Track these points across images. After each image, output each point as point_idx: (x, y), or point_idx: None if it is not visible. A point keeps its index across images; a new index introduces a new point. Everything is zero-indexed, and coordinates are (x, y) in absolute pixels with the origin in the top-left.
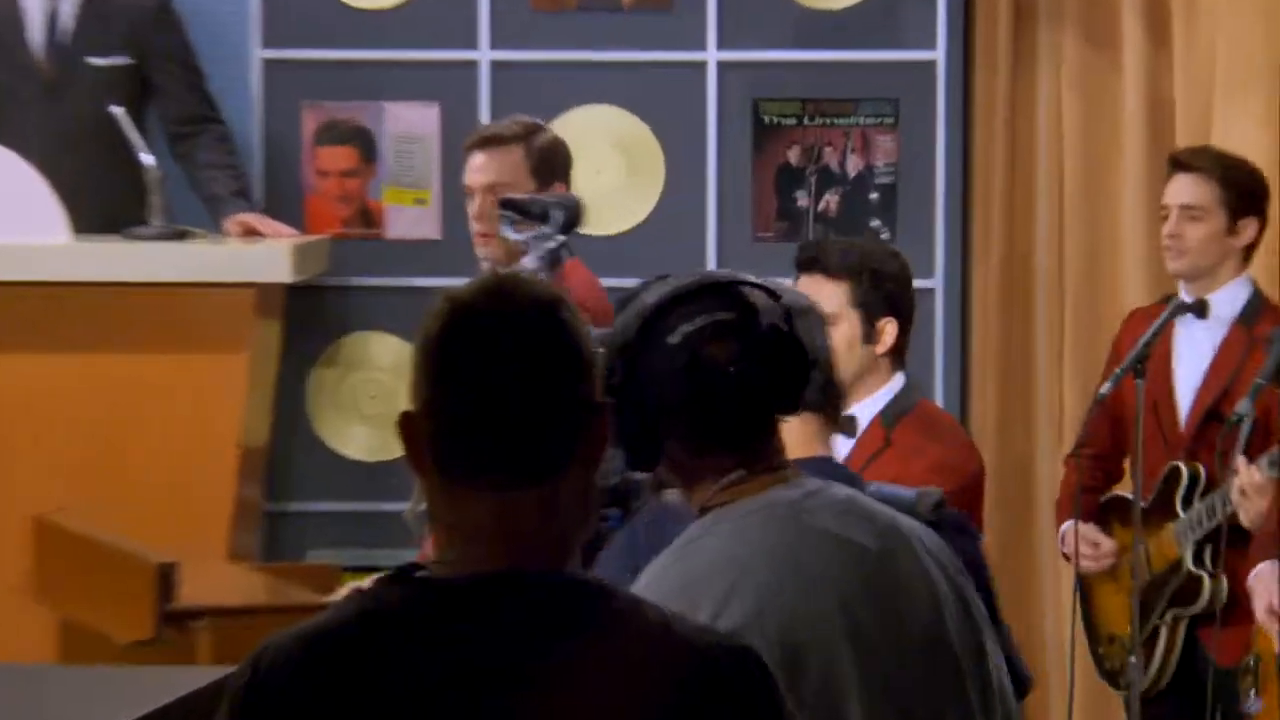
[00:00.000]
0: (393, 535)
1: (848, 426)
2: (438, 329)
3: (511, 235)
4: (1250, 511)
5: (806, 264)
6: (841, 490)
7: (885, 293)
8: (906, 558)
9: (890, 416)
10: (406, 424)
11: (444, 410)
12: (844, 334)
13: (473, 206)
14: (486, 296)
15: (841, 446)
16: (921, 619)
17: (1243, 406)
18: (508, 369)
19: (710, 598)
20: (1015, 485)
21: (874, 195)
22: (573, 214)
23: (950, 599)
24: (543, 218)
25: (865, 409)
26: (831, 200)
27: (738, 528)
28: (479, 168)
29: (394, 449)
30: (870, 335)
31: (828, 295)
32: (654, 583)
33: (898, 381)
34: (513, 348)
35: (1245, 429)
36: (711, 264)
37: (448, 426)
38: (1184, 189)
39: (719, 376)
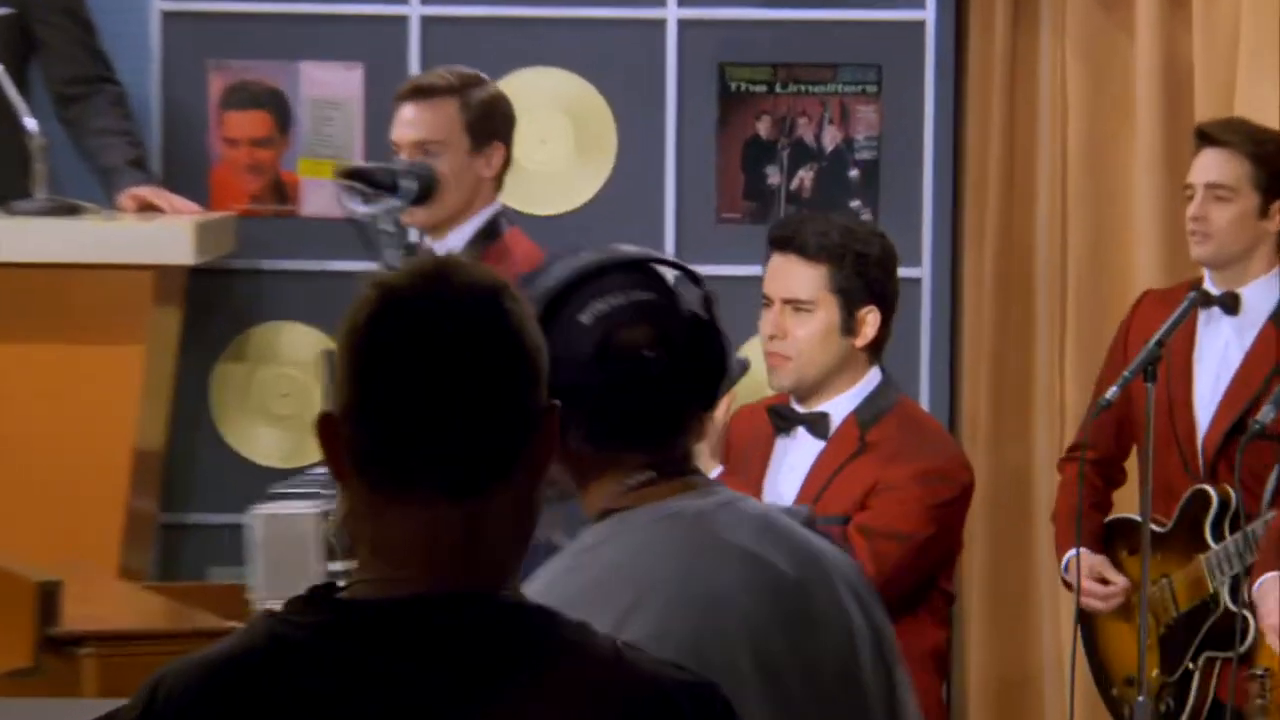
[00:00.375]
0: None
1: (818, 424)
2: (364, 319)
3: (357, 209)
4: None
5: (780, 243)
6: (755, 505)
7: (868, 279)
8: (824, 589)
9: (867, 415)
10: (326, 426)
11: (369, 411)
12: (820, 323)
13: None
14: (420, 282)
15: (810, 448)
16: (835, 656)
17: (1265, 414)
18: (443, 365)
19: (608, 614)
20: (1010, 495)
21: (854, 172)
22: (427, 185)
23: (864, 632)
24: (392, 189)
25: (838, 406)
26: (806, 177)
27: (643, 538)
28: (408, 121)
29: (309, 454)
30: (850, 325)
31: (804, 279)
32: (543, 595)
33: (874, 377)
34: (450, 341)
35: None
36: (670, 249)
37: (373, 430)
38: (1211, 166)
39: (634, 363)
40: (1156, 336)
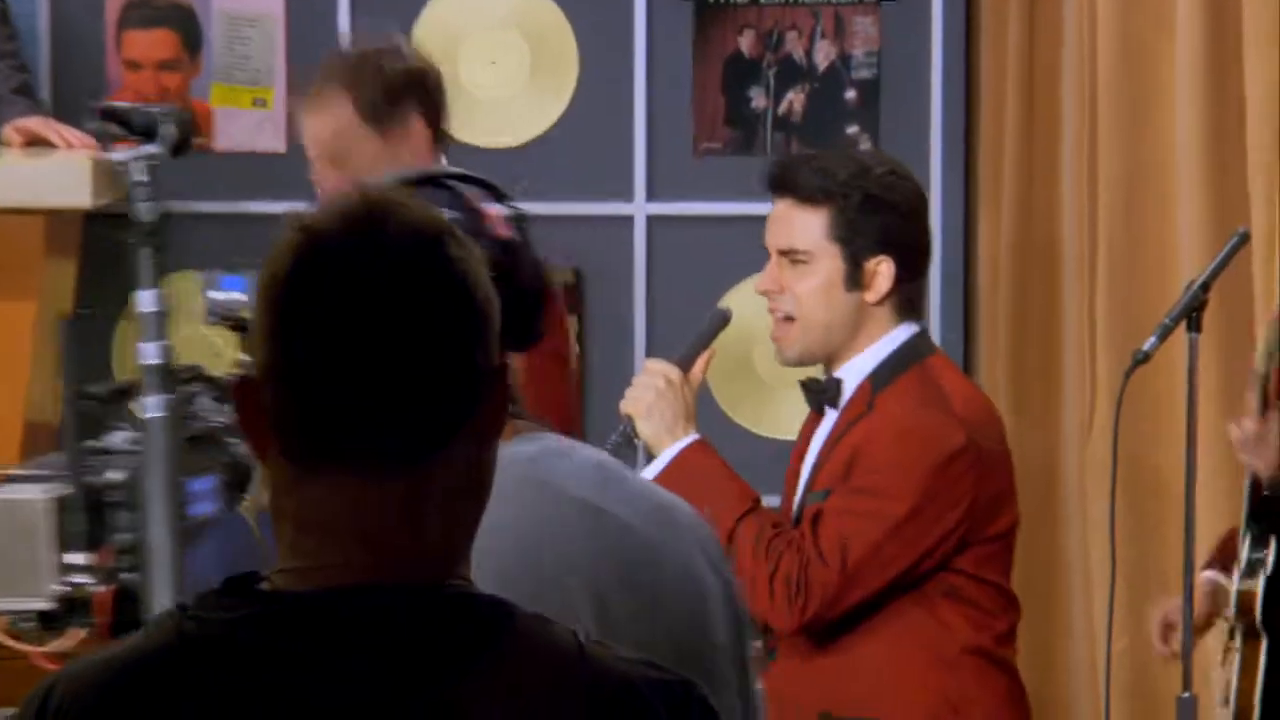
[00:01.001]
0: None
1: (831, 391)
2: (286, 268)
3: (111, 157)
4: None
5: (774, 184)
6: (590, 452)
7: (879, 224)
8: (672, 543)
9: (883, 377)
10: (243, 391)
11: (292, 372)
12: (820, 277)
13: (313, 177)
14: (351, 225)
15: (828, 416)
16: (684, 618)
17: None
18: (376, 319)
19: None
20: (1034, 479)
21: (850, 94)
22: (186, 129)
23: (716, 589)
24: (148, 134)
25: (853, 370)
26: (795, 100)
27: None
28: (305, 134)
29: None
30: (855, 278)
31: (799, 226)
32: None
33: (900, 334)
34: (383, 291)
35: None
36: (640, 184)
37: (297, 393)
38: None
39: None
40: (1201, 279)
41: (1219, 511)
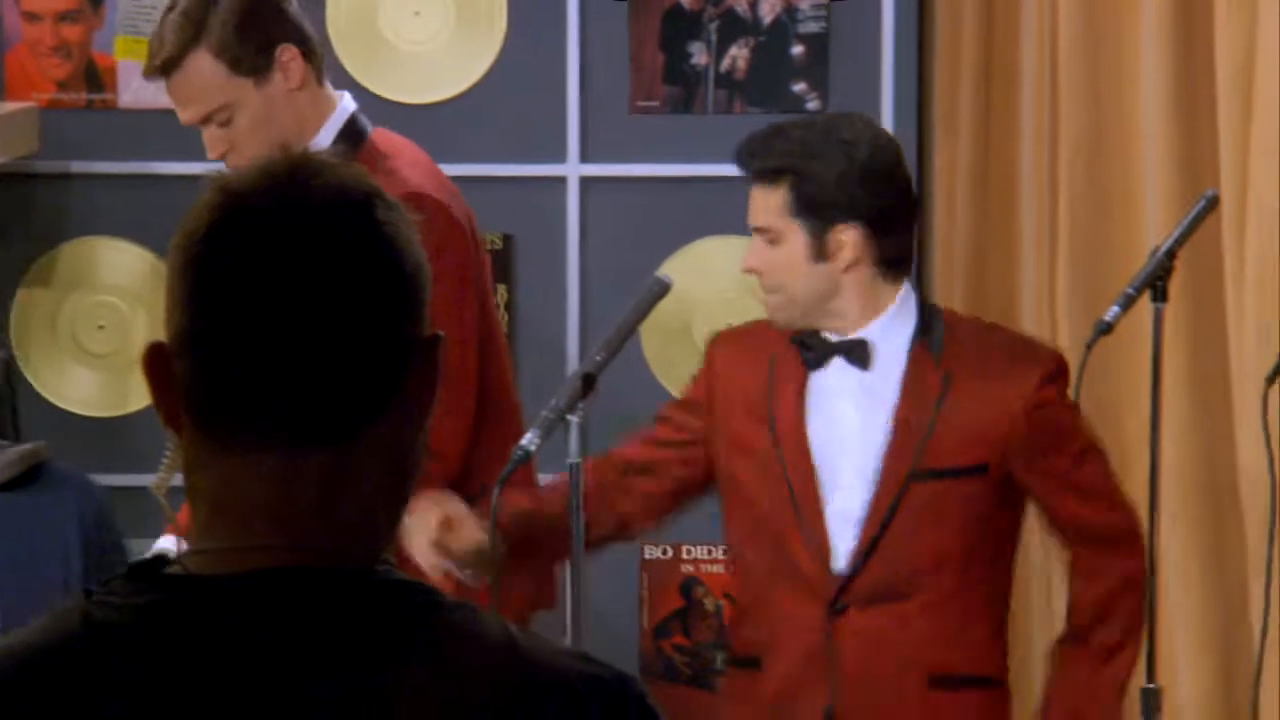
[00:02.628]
0: (134, 519)
1: (859, 352)
2: (203, 231)
3: None
4: None
5: (739, 165)
6: None
7: (841, 194)
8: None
9: (936, 340)
10: (154, 360)
11: (207, 340)
12: (787, 254)
13: (206, 142)
14: (272, 186)
15: (853, 380)
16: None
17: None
18: (297, 285)
19: None
20: None
21: (797, 49)
22: None
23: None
24: None
25: (881, 333)
26: (739, 56)
27: None
28: (178, 104)
29: (134, 399)
30: (820, 251)
31: (765, 204)
32: None
33: (908, 296)
34: (306, 256)
35: None
36: (573, 144)
37: (211, 362)
38: None
39: None
40: (1165, 246)
41: (1185, 487)
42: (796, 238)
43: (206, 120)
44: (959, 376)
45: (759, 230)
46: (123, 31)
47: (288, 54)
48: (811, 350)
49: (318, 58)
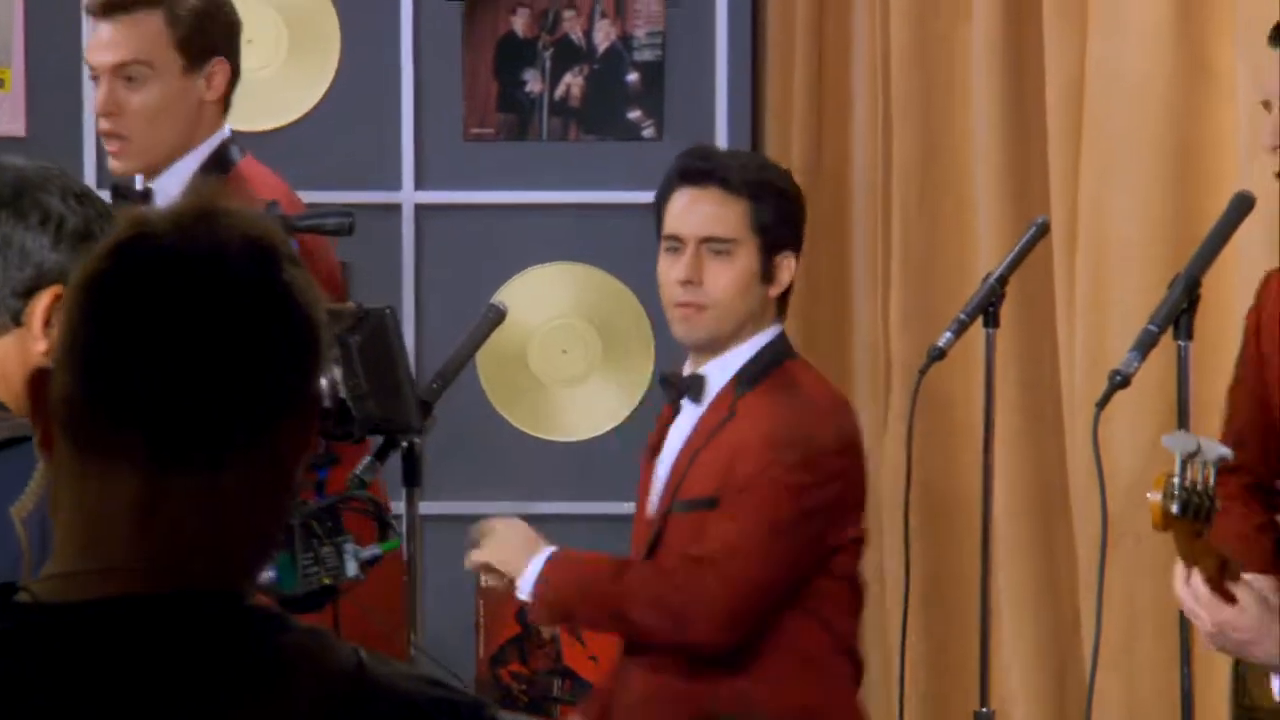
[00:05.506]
0: None
1: (695, 388)
2: (106, 254)
3: None
4: None
5: (697, 175)
6: None
7: (786, 219)
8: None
9: (746, 380)
10: (36, 383)
11: (88, 353)
12: (742, 268)
13: (98, 97)
14: (182, 224)
15: (691, 416)
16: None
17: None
18: (185, 316)
19: None
20: None
21: (632, 76)
22: None
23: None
24: None
25: (721, 367)
26: (574, 84)
27: None
28: (105, 43)
29: None
30: (768, 272)
31: (727, 215)
32: None
33: (767, 335)
34: (200, 293)
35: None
36: (408, 171)
37: (88, 374)
38: None
39: None
40: (997, 272)
41: (1017, 512)
42: (750, 254)
43: (122, 68)
44: (737, 416)
45: (710, 239)
46: None
47: (220, 68)
48: (670, 387)
49: (233, 89)
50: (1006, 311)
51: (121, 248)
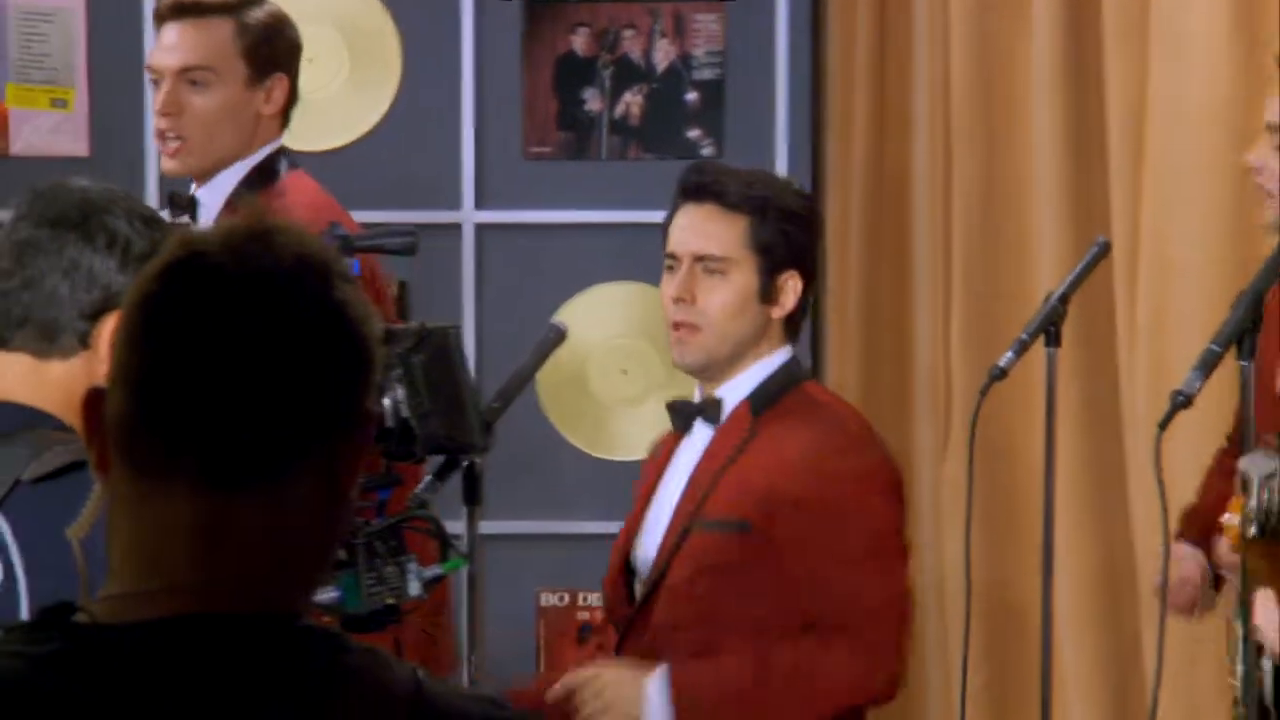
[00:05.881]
0: None
1: (710, 410)
2: (156, 277)
3: None
4: None
5: (695, 191)
6: None
7: (792, 239)
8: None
9: (761, 400)
10: (91, 403)
11: (143, 375)
12: (735, 287)
13: (159, 97)
14: (234, 243)
15: (703, 439)
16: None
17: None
18: (240, 336)
19: None
20: None
21: (692, 96)
22: None
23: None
24: None
25: (735, 388)
26: (634, 103)
27: None
28: (172, 46)
29: None
30: (768, 292)
31: (721, 232)
32: None
33: (779, 357)
34: (254, 312)
35: None
36: (468, 190)
37: (144, 397)
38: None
39: None
40: (1058, 292)
41: (1077, 533)
42: (747, 275)
43: (187, 72)
44: (760, 436)
45: (704, 258)
46: (14, 79)
47: (281, 85)
48: (679, 414)
49: (291, 108)
50: (1068, 331)
51: (172, 268)
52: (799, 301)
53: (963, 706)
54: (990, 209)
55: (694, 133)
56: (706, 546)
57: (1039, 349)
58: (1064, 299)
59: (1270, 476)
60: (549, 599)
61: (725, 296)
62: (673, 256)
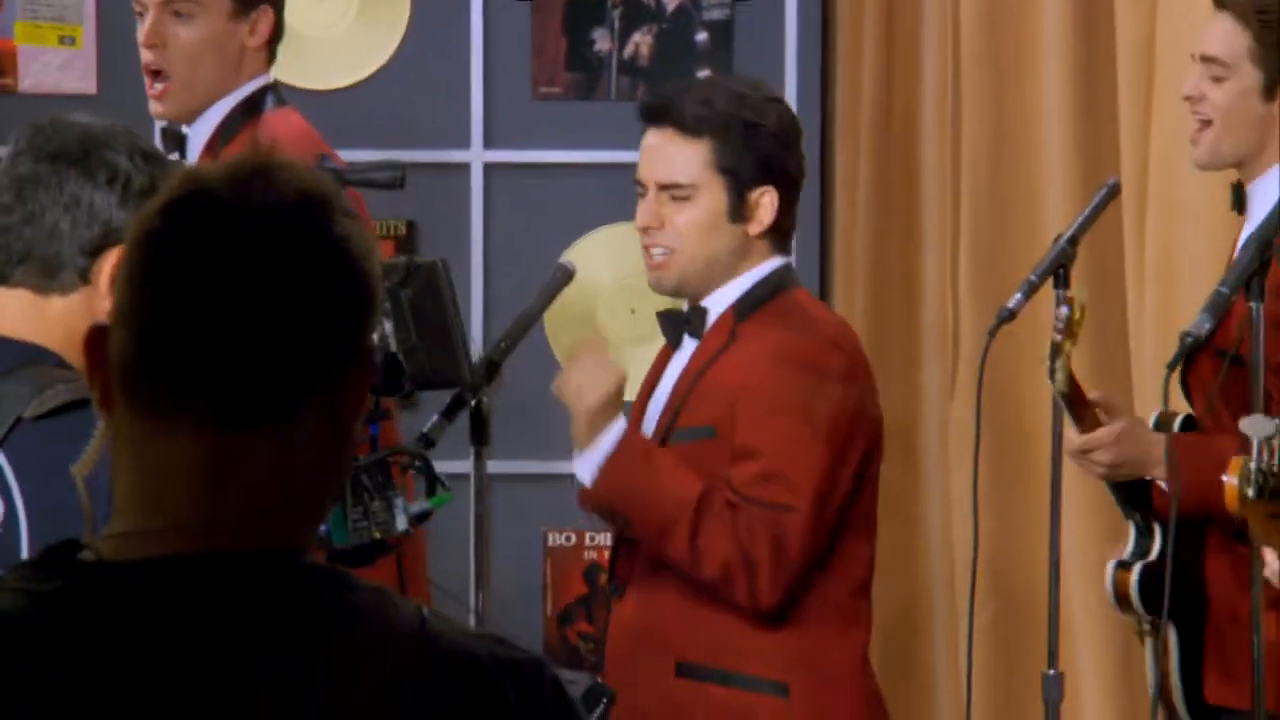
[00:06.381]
0: None
1: (695, 321)
2: (161, 210)
3: None
4: None
5: (653, 114)
6: None
7: (761, 154)
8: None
9: (746, 307)
10: (94, 340)
11: (147, 311)
12: (703, 209)
13: (143, 29)
14: (236, 179)
15: (687, 346)
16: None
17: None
18: (243, 271)
19: None
20: (893, 435)
21: (701, 36)
22: None
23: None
24: None
25: (718, 299)
26: (643, 42)
27: None
28: None
29: None
30: (739, 210)
31: (682, 158)
32: None
33: (768, 265)
34: (257, 247)
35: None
36: (476, 130)
37: (148, 333)
38: (1212, 36)
39: None
40: (1068, 233)
41: (1084, 477)
42: (715, 195)
43: (170, 3)
44: (738, 340)
45: (669, 185)
46: (22, 16)
47: (266, 17)
48: (669, 324)
49: (279, 40)
50: (1076, 273)
51: (174, 205)
52: (777, 213)
53: (970, 645)
54: (999, 150)
55: (703, 73)
56: (681, 456)
57: (1047, 291)
58: (1073, 241)
59: (1270, 438)
60: (556, 539)
61: (693, 217)
62: (639, 183)
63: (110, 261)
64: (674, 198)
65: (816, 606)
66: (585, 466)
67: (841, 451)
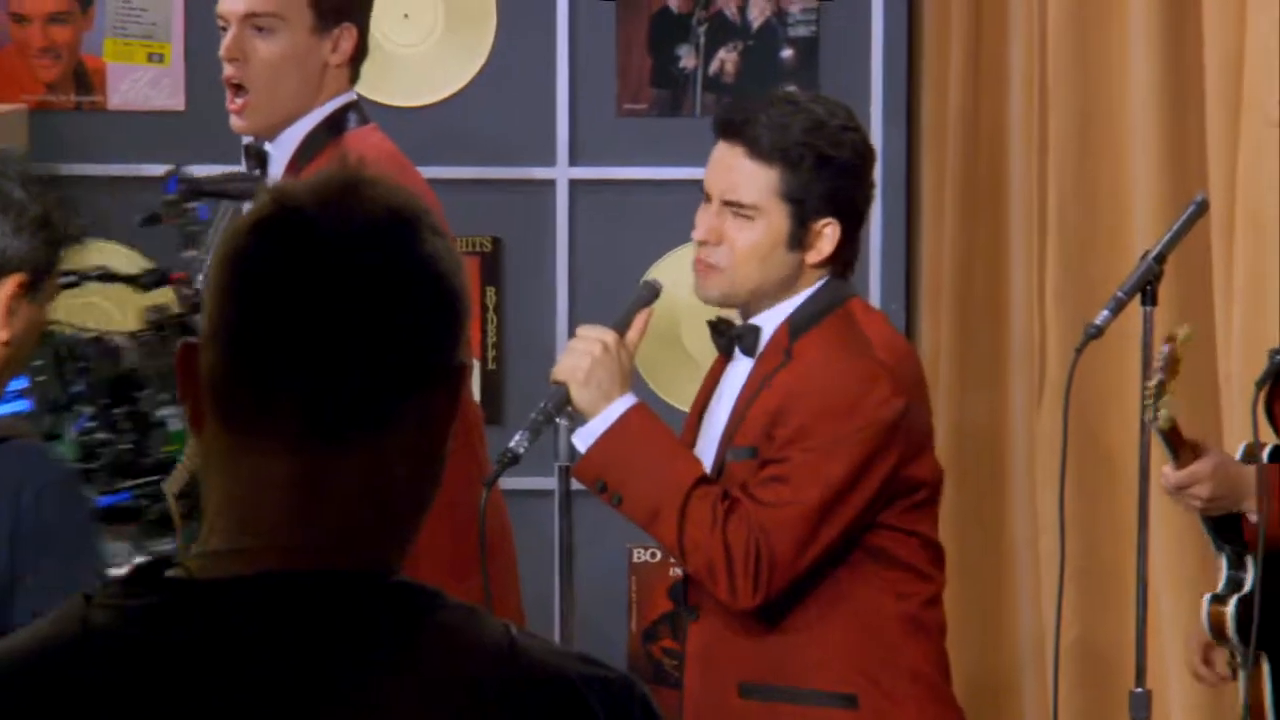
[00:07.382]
0: None
1: (748, 338)
2: (247, 231)
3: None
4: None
5: (728, 129)
6: None
7: (830, 187)
8: None
9: (801, 323)
10: (185, 357)
11: (238, 330)
12: (764, 232)
13: (226, 39)
14: (325, 196)
15: (744, 369)
16: None
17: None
18: (334, 290)
19: None
20: (979, 450)
21: (787, 52)
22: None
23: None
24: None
25: (771, 316)
26: (728, 60)
27: None
28: None
29: None
30: (800, 239)
31: (749, 180)
32: None
33: (821, 280)
34: (347, 266)
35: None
36: (562, 146)
37: (239, 352)
38: None
39: None
40: (1156, 250)
41: None
42: (777, 221)
43: (253, 17)
44: (793, 360)
45: (732, 203)
46: (111, 34)
47: (349, 34)
48: (722, 337)
49: (362, 58)
50: (1164, 290)
51: (263, 223)
52: (837, 244)
53: (1056, 661)
54: (1086, 162)
55: (788, 89)
56: (734, 475)
57: (1135, 307)
58: (1161, 257)
59: None
60: (641, 555)
61: (751, 240)
62: (706, 192)
63: (6, 291)
64: (736, 214)
65: (876, 617)
66: (583, 437)
67: (864, 466)
